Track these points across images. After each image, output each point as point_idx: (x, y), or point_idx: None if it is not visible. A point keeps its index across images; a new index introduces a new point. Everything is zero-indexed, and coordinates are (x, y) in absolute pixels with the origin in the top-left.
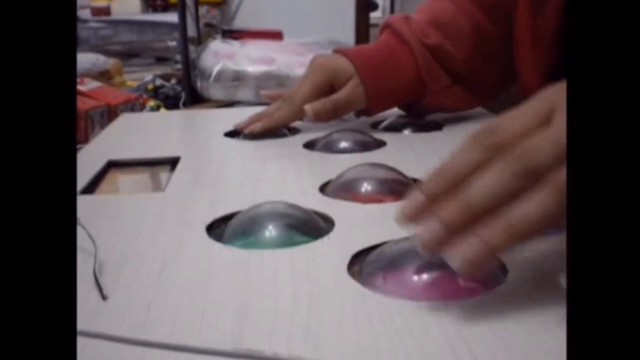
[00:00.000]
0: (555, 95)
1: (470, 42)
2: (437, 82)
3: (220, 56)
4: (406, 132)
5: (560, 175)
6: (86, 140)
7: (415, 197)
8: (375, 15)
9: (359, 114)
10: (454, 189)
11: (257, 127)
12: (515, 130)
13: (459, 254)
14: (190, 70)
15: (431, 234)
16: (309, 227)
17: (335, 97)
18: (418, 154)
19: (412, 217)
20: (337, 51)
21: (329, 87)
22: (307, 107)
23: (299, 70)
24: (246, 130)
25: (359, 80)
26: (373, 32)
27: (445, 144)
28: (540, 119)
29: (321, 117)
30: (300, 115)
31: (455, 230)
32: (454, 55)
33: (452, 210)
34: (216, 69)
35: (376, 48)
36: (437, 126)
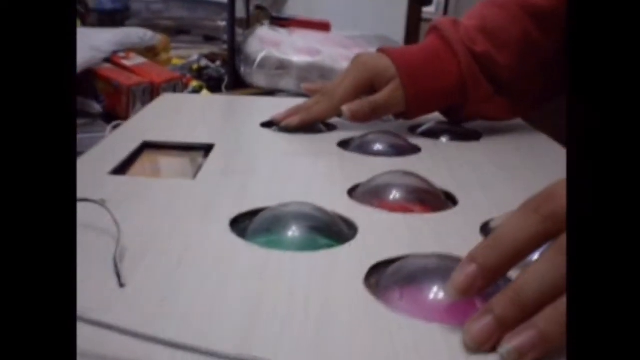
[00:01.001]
0: None
1: (518, 50)
2: (479, 90)
3: (266, 43)
4: (443, 139)
5: None
6: (127, 116)
7: (467, 269)
8: (428, 10)
9: (398, 116)
10: (507, 261)
11: (294, 120)
12: None
13: (512, 345)
14: (235, 54)
15: (482, 328)
16: (331, 231)
17: (374, 98)
18: (450, 165)
19: (464, 290)
20: (381, 50)
21: (370, 86)
22: (345, 108)
23: (344, 64)
24: (283, 124)
25: (399, 82)
26: (424, 27)
27: (479, 156)
28: None
29: (358, 118)
30: (338, 111)
31: (508, 325)
32: (500, 63)
33: (505, 304)
34: (261, 55)
35: (421, 51)
36: (475, 136)
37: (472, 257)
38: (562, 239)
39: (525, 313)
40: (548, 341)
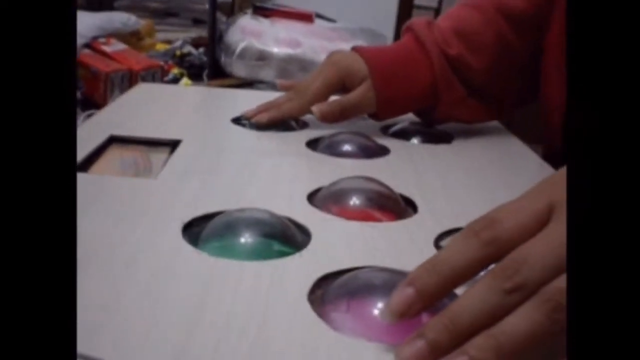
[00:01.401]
0: (555, 190)
1: (493, 53)
2: (452, 93)
3: (246, 33)
4: (414, 140)
5: (550, 288)
6: (105, 102)
7: (404, 293)
8: None
9: (370, 116)
10: (445, 286)
11: (264, 117)
12: (512, 228)
13: None
14: (215, 43)
15: (413, 352)
16: (284, 239)
17: (345, 99)
18: (417, 169)
19: (400, 314)
20: (355, 50)
21: (342, 85)
22: (315, 108)
23: (324, 56)
24: (252, 120)
25: (371, 84)
26: (417, 14)
27: (448, 160)
28: (539, 218)
29: (328, 119)
30: (308, 110)
31: (440, 351)
32: (474, 66)
33: (438, 329)
34: (241, 46)
35: (394, 52)
36: (447, 138)
37: (410, 281)
38: (498, 266)
39: (459, 339)
40: None
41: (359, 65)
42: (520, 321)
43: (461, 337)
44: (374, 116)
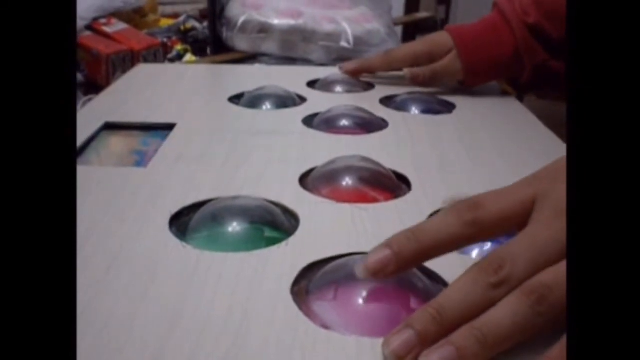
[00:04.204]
0: (542, 183)
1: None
2: (534, 58)
3: (247, 6)
4: (415, 111)
5: (533, 282)
6: (108, 84)
7: (382, 253)
8: None
9: (459, 83)
10: (422, 254)
11: (351, 65)
12: (495, 213)
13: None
14: (216, 18)
15: (402, 341)
16: (272, 227)
17: (435, 64)
18: (414, 142)
19: (374, 272)
20: (444, 29)
21: (428, 55)
22: (406, 70)
23: (326, 26)
24: (342, 70)
25: (457, 52)
26: None
27: (446, 132)
28: (522, 207)
29: (418, 81)
30: (393, 68)
31: (428, 341)
32: (552, 34)
33: (426, 320)
34: (242, 19)
35: (478, 24)
36: (448, 108)
37: (389, 243)
38: (484, 260)
39: (445, 330)
40: (465, 358)
41: (445, 40)
42: (504, 313)
43: (448, 328)
44: (463, 83)
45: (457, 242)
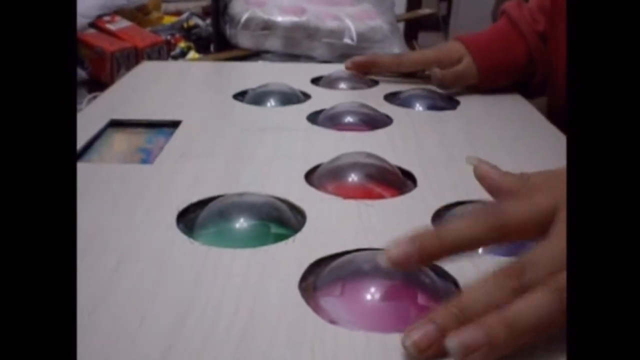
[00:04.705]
0: (560, 192)
1: None
2: (547, 62)
3: (250, 3)
4: (419, 107)
5: (557, 279)
6: (112, 82)
7: (406, 246)
8: None
9: (475, 87)
10: (444, 251)
11: (359, 58)
12: (518, 222)
13: (456, 338)
14: (219, 15)
15: (424, 333)
16: (279, 223)
17: (456, 68)
18: (419, 139)
19: (397, 263)
20: (454, 38)
21: (437, 60)
22: (436, 70)
23: (330, 23)
24: (347, 63)
25: (471, 58)
26: None
27: (451, 128)
28: (541, 218)
29: (445, 82)
30: (398, 68)
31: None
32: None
33: (448, 317)
34: (245, 16)
35: (489, 31)
36: (452, 104)
37: (413, 239)
38: (508, 266)
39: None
40: (492, 342)
41: (455, 47)
42: (530, 305)
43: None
44: (475, 86)
45: (479, 244)
